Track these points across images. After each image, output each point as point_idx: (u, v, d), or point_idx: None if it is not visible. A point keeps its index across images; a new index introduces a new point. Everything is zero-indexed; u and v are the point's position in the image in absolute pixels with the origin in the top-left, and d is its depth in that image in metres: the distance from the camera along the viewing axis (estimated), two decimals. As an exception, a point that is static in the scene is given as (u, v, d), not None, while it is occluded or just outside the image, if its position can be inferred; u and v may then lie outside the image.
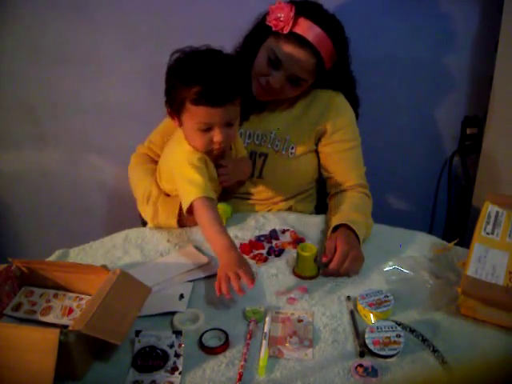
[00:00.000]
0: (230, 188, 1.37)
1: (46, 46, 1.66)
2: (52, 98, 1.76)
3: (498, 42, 1.57)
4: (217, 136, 1.16)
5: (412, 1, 1.61)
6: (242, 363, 0.89)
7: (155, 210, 1.31)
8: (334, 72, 1.32)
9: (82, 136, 1.83)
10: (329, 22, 1.26)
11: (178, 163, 1.21)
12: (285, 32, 1.24)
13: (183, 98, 1.13)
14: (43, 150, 1.86)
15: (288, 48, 1.25)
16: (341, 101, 1.39)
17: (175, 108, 1.18)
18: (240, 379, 0.86)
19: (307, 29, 1.23)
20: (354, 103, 1.43)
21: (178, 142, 1.25)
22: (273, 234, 1.29)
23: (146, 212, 1.33)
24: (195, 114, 1.14)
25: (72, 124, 1.81)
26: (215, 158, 1.27)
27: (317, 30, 1.23)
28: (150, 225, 1.34)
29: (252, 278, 1.01)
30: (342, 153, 1.39)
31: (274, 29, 1.25)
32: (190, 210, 1.16)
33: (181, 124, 1.21)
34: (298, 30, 1.23)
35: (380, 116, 1.73)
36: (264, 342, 0.93)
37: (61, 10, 1.61)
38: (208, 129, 1.16)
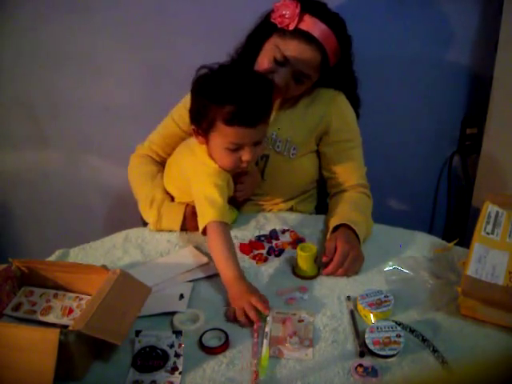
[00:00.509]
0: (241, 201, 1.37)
1: (46, 46, 1.66)
2: (52, 98, 1.76)
3: (497, 42, 1.57)
4: (246, 155, 1.15)
5: (412, 1, 1.61)
6: (255, 361, 0.89)
7: (159, 215, 1.31)
8: (338, 70, 1.33)
9: (82, 136, 1.83)
10: (333, 19, 1.26)
11: (200, 179, 1.19)
12: (290, 29, 1.24)
13: (214, 117, 1.11)
14: (43, 150, 1.85)
15: (294, 44, 1.24)
16: (342, 101, 1.39)
17: (203, 127, 1.15)
18: (256, 377, 0.86)
19: (313, 25, 1.23)
20: (355, 103, 1.43)
21: (194, 153, 1.24)
22: (273, 234, 1.29)
23: (148, 215, 1.33)
24: (226, 134, 1.12)
25: (72, 124, 1.81)
26: (236, 175, 1.27)
27: (322, 26, 1.23)
28: (151, 227, 1.34)
29: (266, 304, 1.00)
30: (342, 153, 1.38)
31: (279, 26, 1.25)
32: (204, 229, 1.15)
33: (207, 142, 1.19)
34: (304, 26, 1.23)
35: (380, 116, 1.72)
36: (265, 342, 0.93)
37: (61, 11, 1.61)
38: (237, 148, 1.15)
